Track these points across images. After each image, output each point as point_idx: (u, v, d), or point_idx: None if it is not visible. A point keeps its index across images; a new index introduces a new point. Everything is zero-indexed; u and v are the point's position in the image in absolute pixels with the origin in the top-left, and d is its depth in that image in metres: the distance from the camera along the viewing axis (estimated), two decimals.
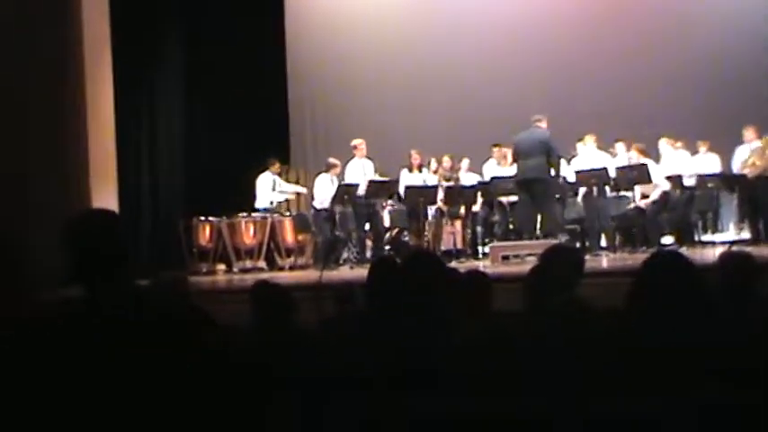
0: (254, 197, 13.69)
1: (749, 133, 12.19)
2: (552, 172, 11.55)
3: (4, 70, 10.21)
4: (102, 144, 11.28)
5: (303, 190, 14.12)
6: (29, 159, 10.13)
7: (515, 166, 12.26)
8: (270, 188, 13.72)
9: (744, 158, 12.13)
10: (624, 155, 12.77)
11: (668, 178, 12.33)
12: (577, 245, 12.38)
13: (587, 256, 11.60)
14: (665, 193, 12.23)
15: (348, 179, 12.73)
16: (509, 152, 13.11)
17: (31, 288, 2.74)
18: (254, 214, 13.53)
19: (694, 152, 12.97)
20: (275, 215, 13.62)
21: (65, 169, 10.52)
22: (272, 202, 13.76)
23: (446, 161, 13.35)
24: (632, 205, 12.37)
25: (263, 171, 13.70)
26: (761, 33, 13.91)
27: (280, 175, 13.91)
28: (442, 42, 15.05)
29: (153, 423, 2.26)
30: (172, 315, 2.45)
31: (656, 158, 12.60)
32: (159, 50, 14.20)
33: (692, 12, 14.32)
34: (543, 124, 11.68)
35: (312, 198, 13.32)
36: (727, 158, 12.71)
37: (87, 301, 2.44)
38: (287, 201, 14.57)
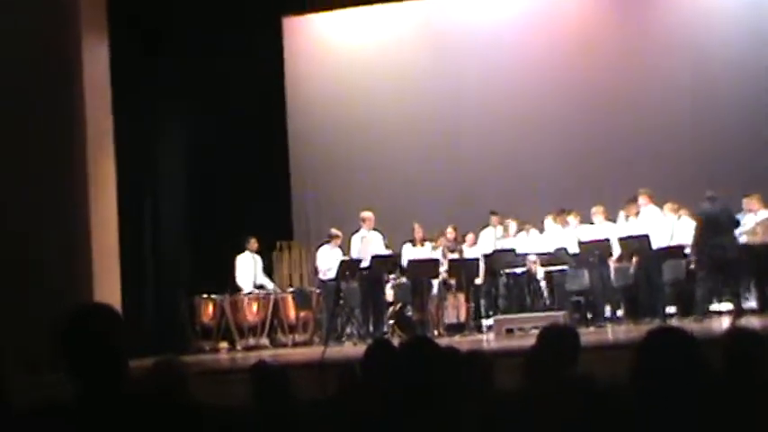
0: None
1: (753, 202, 12.14)
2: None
3: (7, 158, 10.36)
4: (105, 227, 11.35)
5: (272, 286, 13.86)
6: (34, 247, 10.22)
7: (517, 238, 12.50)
8: (251, 270, 13.67)
9: (748, 228, 12.08)
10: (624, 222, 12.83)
11: (671, 249, 12.33)
12: (587, 315, 12.43)
13: (592, 328, 11.71)
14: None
15: (352, 252, 12.75)
16: (511, 224, 13.16)
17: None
18: (255, 291, 13.51)
19: None
20: (278, 291, 13.60)
21: (68, 252, 10.59)
22: (256, 285, 13.66)
23: (450, 232, 13.35)
24: (631, 269, 12.36)
25: (241, 252, 13.61)
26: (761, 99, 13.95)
27: (259, 253, 13.77)
28: (445, 116, 15.13)
29: None
30: (166, 415, 2.43)
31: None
32: (160, 132, 14.29)
33: (691, 80, 14.38)
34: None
35: (315, 272, 13.30)
36: None
37: (79, 398, 2.43)
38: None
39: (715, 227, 11.35)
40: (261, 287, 13.64)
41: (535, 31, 15.15)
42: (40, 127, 10.66)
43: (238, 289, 13.44)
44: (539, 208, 13.30)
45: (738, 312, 11.07)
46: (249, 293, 13.39)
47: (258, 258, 13.72)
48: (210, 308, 13.35)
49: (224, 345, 13.36)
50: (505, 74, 15.07)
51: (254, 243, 13.59)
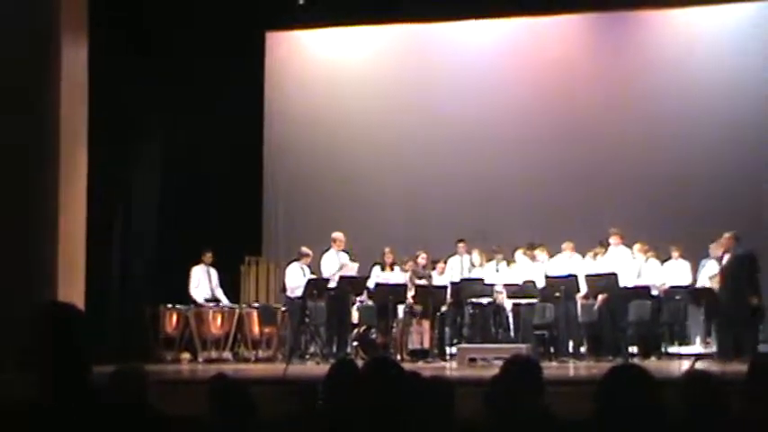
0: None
1: (717, 248, 12.24)
2: None
3: None
4: (73, 228, 11.26)
5: (225, 301, 13.80)
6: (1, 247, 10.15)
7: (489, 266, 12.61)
8: (205, 282, 13.63)
9: (712, 273, 12.19)
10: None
11: (637, 289, 12.45)
12: (550, 349, 12.47)
13: (554, 363, 11.76)
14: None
15: (323, 272, 12.74)
16: (475, 254, 13.20)
17: None
18: (221, 304, 13.49)
19: (666, 257, 13.06)
20: (243, 306, 13.58)
21: (32, 254, 10.51)
22: (209, 299, 13.62)
23: (422, 258, 13.35)
24: (596, 307, 12.45)
25: (197, 263, 13.61)
26: (740, 144, 14.06)
27: (213, 265, 13.74)
28: (421, 140, 15.17)
29: None
30: (125, 417, 2.43)
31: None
32: (133, 140, 14.17)
33: (667, 121, 14.49)
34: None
35: (283, 288, 13.27)
36: (696, 265, 12.80)
37: (40, 395, 2.42)
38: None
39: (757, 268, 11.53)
40: (215, 300, 13.59)
41: (515, 60, 15.27)
42: (13, 126, 10.57)
43: (194, 300, 13.44)
44: (511, 238, 13.34)
45: (700, 356, 11.18)
46: (214, 306, 13.38)
47: (213, 272, 13.69)
48: (175, 318, 13.32)
49: (186, 356, 13.30)
50: (483, 101, 15.12)
51: (209, 256, 13.59)
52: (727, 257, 11.68)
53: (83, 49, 11.69)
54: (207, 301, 13.50)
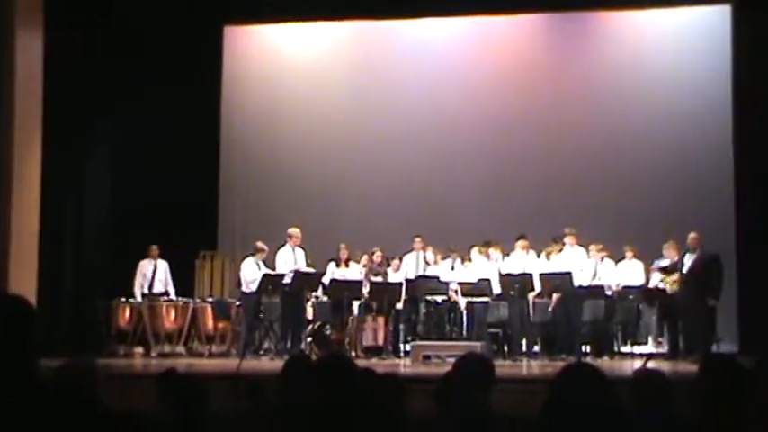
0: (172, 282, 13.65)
1: (669, 249, 12.37)
2: None
3: None
4: (26, 222, 11.14)
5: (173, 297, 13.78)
6: None
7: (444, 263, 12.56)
8: (150, 275, 13.58)
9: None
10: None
11: (591, 288, 12.54)
12: (504, 348, 12.52)
13: (508, 361, 11.82)
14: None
15: (278, 267, 12.71)
16: (429, 252, 13.23)
17: None
18: (175, 298, 13.41)
19: (620, 257, 13.17)
20: (197, 300, 13.52)
21: None
22: (147, 292, 13.55)
23: (377, 255, 13.35)
24: (550, 307, 12.52)
25: (144, 257, 13.60)
26: (694, 145, 14.20)
27: (162, 256, 13.68)
28: (380, 137, 15.15)
29: None
30: (73, 411, 2.40)
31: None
32: (89, 132, 14.02)
33: (622, 121, 14.60)
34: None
35: (238, 283, 13.22)
36: (649, 267, 12.91)
37: None
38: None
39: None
40: (154, 295, 13.50)
41: (472, 59, 15.24)
42: None
43: (140, 293, 13.46)
44: (467, 236, 13.37)
45: (651, 355, 11.30)
46: (168, 300, 13.31)
47: (162, 264, 13.61)
48: (128, 312, 13.23)
49: (139, 350, 13.21)
50: (440, 98, 15.10)
51: (154, 249, 13.54)
52: (691, 257, 11.79)
53: (37, 42, 11.55)
54: (143, 295, 13.42)
